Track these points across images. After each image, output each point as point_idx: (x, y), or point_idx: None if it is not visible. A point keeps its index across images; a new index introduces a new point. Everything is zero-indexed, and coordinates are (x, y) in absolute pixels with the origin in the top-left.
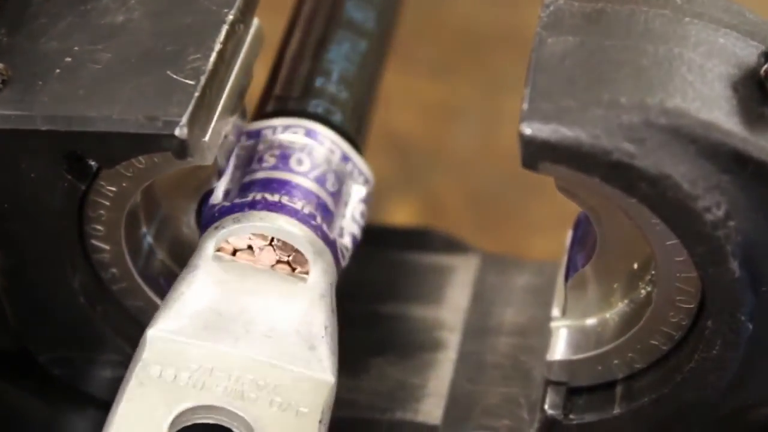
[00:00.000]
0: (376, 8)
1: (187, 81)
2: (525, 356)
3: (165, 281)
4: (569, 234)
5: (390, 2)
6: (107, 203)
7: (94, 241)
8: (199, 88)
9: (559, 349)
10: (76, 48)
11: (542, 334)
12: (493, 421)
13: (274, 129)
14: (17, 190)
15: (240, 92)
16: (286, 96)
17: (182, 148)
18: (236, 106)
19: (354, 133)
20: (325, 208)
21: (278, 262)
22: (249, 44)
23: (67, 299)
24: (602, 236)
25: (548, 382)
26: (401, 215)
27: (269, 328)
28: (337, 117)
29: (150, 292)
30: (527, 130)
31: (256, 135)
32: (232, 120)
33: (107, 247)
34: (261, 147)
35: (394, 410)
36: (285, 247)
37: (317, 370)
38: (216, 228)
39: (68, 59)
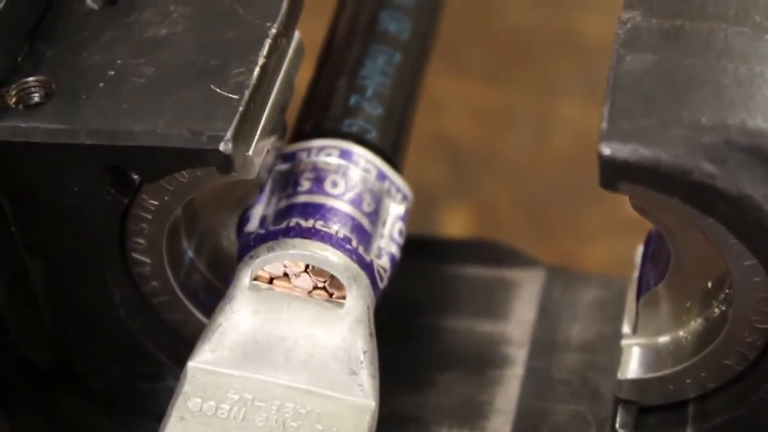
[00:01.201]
0: (411, 18)
1: (230, 95)
2: (593, 373)
3: (205, 295)
4: (639, 249)
5: (426, 10)
6: (149, 216)
7: (135, 255)
8: (243, 103)
9: (630, 368)
10: (119, 61)
11: (610, 350)
12: None
13: (308, 151)
14: (60, 202)
15: (282, 106)
16: (321, 116)
17: (227, 163)
18: (278, 120)
19: (390, 150)
20: (361, 230)
21: (315, 288)
22: (291, 58)
23: (108, 312)
24: (676, 254)
25: (618, 401)
26: (454, 222)
27: (308, 355)
28: (372, 135)
29: (190, 306)
30: (606, 150)
31: (292, 158)
32: (274, 137)
33: (148, 261)
34: (296, 170)
35: (461, 427)
36: (321, 273)
37: (358, 395)
38: (251, 257)
39: (111, 72)
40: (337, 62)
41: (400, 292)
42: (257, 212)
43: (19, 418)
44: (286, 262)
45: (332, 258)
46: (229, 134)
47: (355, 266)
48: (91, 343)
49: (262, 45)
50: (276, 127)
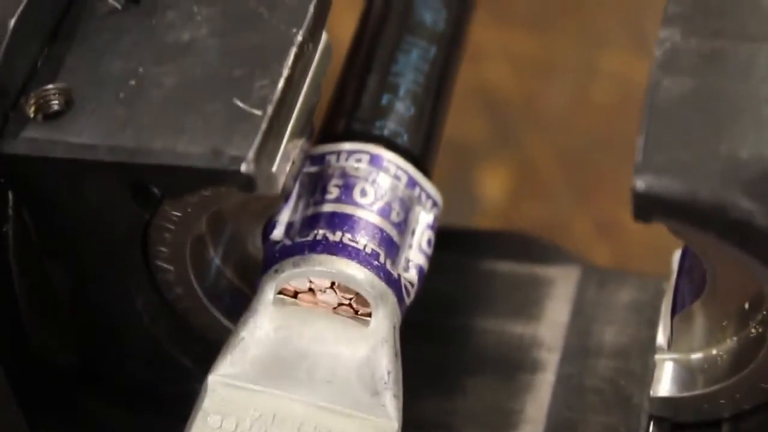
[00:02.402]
0: (448, 6)
1: (254, 111)
2: (626, 381)
3: (231, 300)
4: (676, 256)
5: None
6: (172, 227)
7: (158, 262)
8: (266, 120)
9: (663, 386)
10: (140, 69)
11: (644, 357)
12: None
13: (338, 155)
14: (81, 213)
15: (308, 113)
16: (351, 116)
17: (249, 184)
18: (304, 128)
19: (422, 155)
20: (389, 242)
21: (340, 304)
22: (317, 62)
23: (131, 318)
24: (712, 276)
25: (651, 417)
26: (492, 179)
27: (331, 373)
28: (403, 139)
29: (215, 311)
30: (641, 184)
31: (321, 161)
32: (300, 144)
33: (172, 268)
34: (324, 175)
35: None
36: (347, 290)
37: (381, 415)
38: (276, 271)
39: (132, 82)
40: (368, 55)
41: (429, 288)
42: (283, 218)
43: (40, 421)
44: (312, 278)
45: (359, 276)
46: (251, 154)
47: (382, 284)
48: (115, 348)
49: (287, 54)
50: (302, 133)
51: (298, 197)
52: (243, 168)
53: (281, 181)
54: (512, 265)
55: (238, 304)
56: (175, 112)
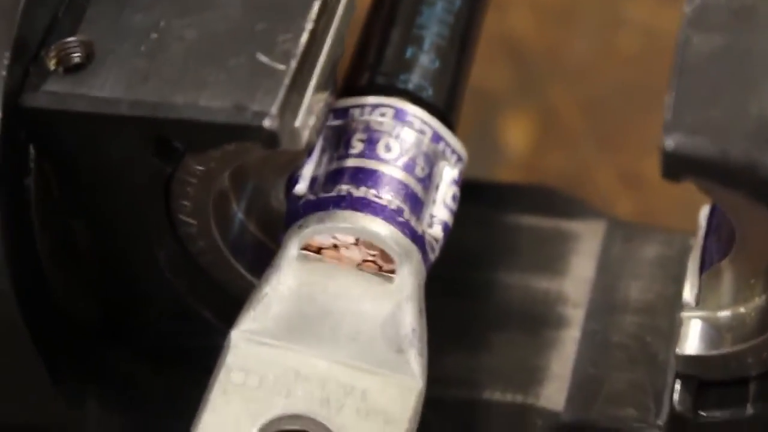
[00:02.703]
0: None
1: (276, 65)
2: (652, 337)
3: (254, 254)
4: (703, 213)
5: None
6: (194, 181)
7: (181, 216)
8: (289, 74)
9: (690, 344)
10: (162, 23)
11: (670, 313)
12: (617, 409)
13: (362, 109)
14: (103, 167)
15: (332, 66)
16: (375, 69)
17: (272, 139)
18: (327, 81)
19: (447, 109)
20: (413, 198)
21: (364, 260)
22: (341, 14)
23: (154, 271)
24: (741, 234)
25: (677, 374)
26: (515, 129)
27: (355, 330)
28: (428, 92)
29: (238, 265)
30: (670, 143)
31: (344, 114)
32: (323, 98)
33: (194, 222)
34: (348, 129)
35: (514, 392)
36: (371, 246)
37: (405, 373)
38: (300, 227)
39: (154, 35)
40: (392, 7)
41: (453, 241)
42: (307, 172)
43: (63, 375)
44: (336, 234)
45: (383, 233)
46: (274, 109)
47: (407, 241)
48: (138, 302)
49: (310, 7)
50: (326, 86)
51: (322, 151)
52: (266, 123)
53: (305, 135)
54: (537, 218)
55: (261, 257)
56: (197, 65)
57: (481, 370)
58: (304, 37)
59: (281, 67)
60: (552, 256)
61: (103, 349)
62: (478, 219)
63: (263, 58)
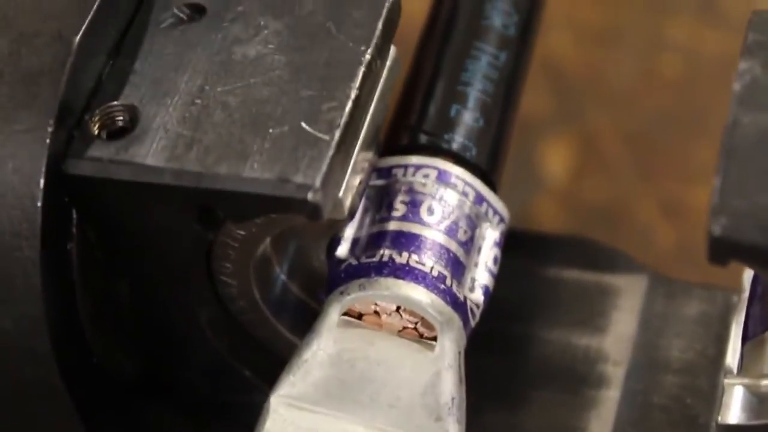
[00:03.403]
0: (519, 9)
1: (321, 135)
2: (692, 399)
3: (295, 313)
4: (747, 276)
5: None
6: (236, 245)
7: (222, 277)
8: (333, 146)
9: (733, 412)
10: (206, 87)
11: (712, 375)
12: None
13: (405, 169)
14: (145, 233)
15: (375, 130)
16: (418, 127)
17: (315, 211)
18: (371, 144)
19: (490, 168)
20: (455, 263)
21: (405, 327)
22: (386, 78)
23: (194, 331)
24: None
25: None
26: (554, 155)
27: (394, 397)
28: (472, 153)
29: (277, 324)
30: (717, 228)
31: (387, 174)
32: (367, 161)
33: (235, 283)
34: (391, 190)
35: None
36: (413, 313)
37: None
38: (341, 293)
39: (198, 101)
40: (435, 61)
41: (492, 294)
42: (349, 233)
43: None
44: (378, 301)
45: (425, 302)
46: (318, 182)
47: (448, 309)
48: (179, 359)
49: (355, 74)
50: (369, 149)
51: (364, 211)
52: (310, 197)
53: (347, 203)
54: (578, 272)
55: (302, 316)
56: (241, 134)
57: (519, 429)
58: (349, 106)
59: (326, 137)
60: (593, 311)
61: (143, 405)
62: (518, 271)
63: (307, 127)
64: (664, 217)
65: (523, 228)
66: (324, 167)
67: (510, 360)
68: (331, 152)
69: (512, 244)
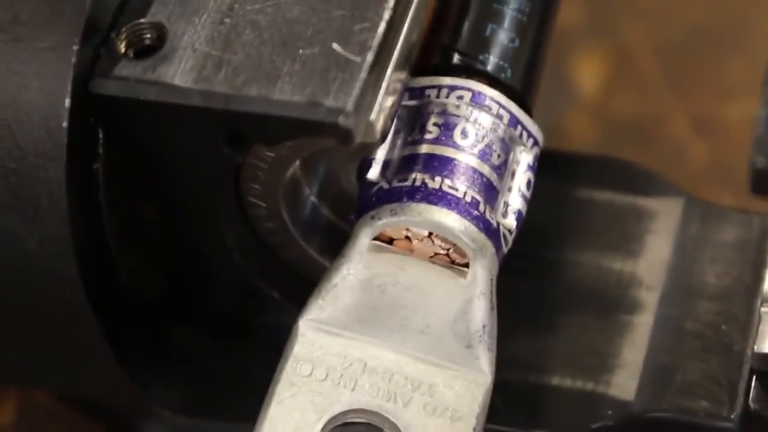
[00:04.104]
0: None
1: (353, 57)
2: (728, 326)
3: (325, 235)
4: None
5: None
6: (265, 166)
7: (250, 198)
8: (365, 68)
9: None
10: (236, 5)
11: (748, 302)
12: (690, 401)
13: (438, 90)
14: (172, 154)
15: (408, 50)
16: (452, 47)
17: (347, 136)
18: (404, 65)
19: (525, 90)
20: (489, 187)
21: (436, 253)
22: None
23: (221, 252)
24: None
25: (753, 370)
26: (586, 69)
27: (425, 324)
28: (507, 74)
29: (306, 245)
30: (761, 160)
31: (420, 95)
32: (399, 81)
33: (264, 204)
34: (424, 111)
35: (584, 379)
36: (445, 239)
37: (474, 368)
38: (372, 218)
39: (227, 20)
40: None
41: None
42: (380, 155)
43: (130, 356)
44: (409, 226)
45: (458, 228)
46: (349, 106)
47: (481, 236)
48: (206, 281)
49: None
50: (402, 69)
51: (396, 132)
52: (341, 121)
53: (379, 127)
54: (611, 194)
55: (331, 238)
56: (271, 54)
57: (550, 354)
58: (382, 27)
59: (357, 59)
60: (626, 234)
61: (169, 326)
62: (550, 193)
63: (339, 48)
64: (697, 133)
65: (554, 148)
66: (356, 91)
67: (540, 284)
68: (363, 75)
69: (543, 164)
